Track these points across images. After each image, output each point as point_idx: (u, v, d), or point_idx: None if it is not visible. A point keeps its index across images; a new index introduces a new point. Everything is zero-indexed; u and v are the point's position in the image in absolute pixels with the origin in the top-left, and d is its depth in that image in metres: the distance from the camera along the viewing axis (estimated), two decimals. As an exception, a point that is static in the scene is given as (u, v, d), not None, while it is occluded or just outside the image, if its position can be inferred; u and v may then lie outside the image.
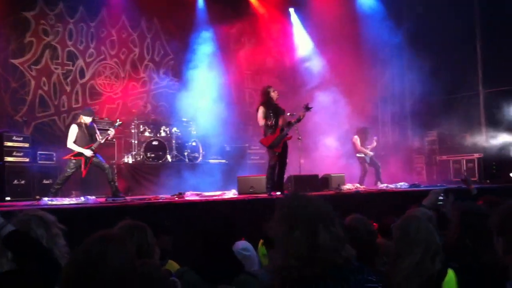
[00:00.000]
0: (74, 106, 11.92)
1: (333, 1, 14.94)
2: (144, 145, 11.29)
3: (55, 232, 2.60)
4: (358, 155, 11.94)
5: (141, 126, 11.62)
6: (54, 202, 7.36)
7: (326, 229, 2.16)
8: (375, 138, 12.21)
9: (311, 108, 8.94)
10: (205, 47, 13.96)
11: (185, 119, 12.54)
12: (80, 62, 12.22)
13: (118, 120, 9.27)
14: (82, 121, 8.76)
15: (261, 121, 8.75)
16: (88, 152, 8.48)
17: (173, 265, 4.03)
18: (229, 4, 14.74)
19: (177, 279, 3.08)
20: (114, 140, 10.81)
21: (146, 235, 3.12)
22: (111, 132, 8.89)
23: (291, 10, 15.93)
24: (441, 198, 4.42)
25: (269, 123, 8.68)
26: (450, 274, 2.95)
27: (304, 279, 2.12)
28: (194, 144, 12.13)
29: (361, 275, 2.16)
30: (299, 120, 8.86)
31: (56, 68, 11.80)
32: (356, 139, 11.94)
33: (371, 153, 11.89)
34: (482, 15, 13.69)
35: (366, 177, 11.91)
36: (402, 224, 3.06)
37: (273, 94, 8.80)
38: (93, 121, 9.08)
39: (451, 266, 2.98)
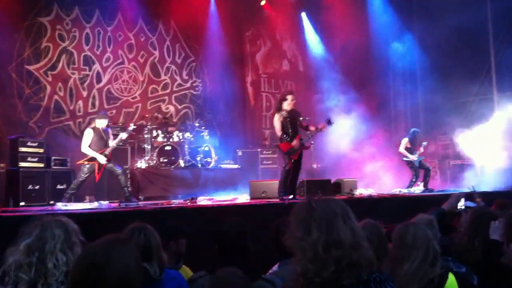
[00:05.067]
0: (90, 111, 11.97)
1: (343, 4, 14.98)
2: (157, 150, 11.34)
3: (74, 240, 2.63)
4: (404, 159, 11.50)
5: (154, 131, 11.67)
6: (68, 207, 7.40)
7: (344, 223, 2.15)
8: (423, 143, 11.59)
9: (332, 123, 8.90)
10: (222, 49, 14.09)
11: (198, 124, 12.60)
12: (96, 67, 12.30)
13: (132, 124, 9.31)
14: (96, 125, 8.82)
15: (278, 132, 8.71)
16: (102, 158, 8.53)
17: (186, 271, 4.04)
18: (241, 7, 14.82)
19: (192, 282, 3.10)
20: (127, 145, 10.89)
21: (149, 237, 3.14)
22: (123, 136, 8.93)
23: (303, 14, 15.96)
24: (461, 202, 4.42)
25: (288, 131, 8.66)
26: (451, 278, 2.94)
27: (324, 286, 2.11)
28: (206, 149, 12.15)
29: (385, 285, 2.13)
30: (318, 131, 8.88)
31: (72, 73, 11.88)
32: (403, 141, 11.52)
33: (414, 157, 11.32)
34: (494, 16, 13.62)
35: (417, 182, 11.41)
36: (400, 231, 3.06)
37: (292, 102, 8.75)
38: (108, 126, 9.13)
39: (456, 270, 2.97)
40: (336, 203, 2.24)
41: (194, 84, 14.06)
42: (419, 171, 11.46)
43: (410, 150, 11.40)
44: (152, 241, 3.16)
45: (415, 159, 11.34)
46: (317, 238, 2.15)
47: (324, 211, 2.21)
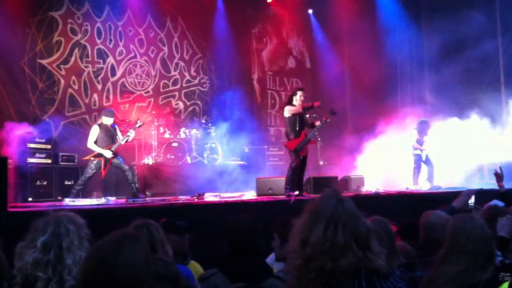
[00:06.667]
0: (105, 104, 11.92)
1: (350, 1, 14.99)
2: (164, 146, 11.37)
3: (84, 234, 2.65)
4: (413, 152, 11.27)
5: (161, 128, 11.71)
6: (75, 203, 7.43)
7: (324, 228, 2.11)
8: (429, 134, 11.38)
9: (336, 112, 8.97)
10: (228, 46, 14.10)
11: (205, 120, 12.63)
12: (110, 60, 12.32)
13: (138, 121, 9.31)
14: (103, 122, 8.84)
15: (286, 125, 8.85)
16: (107, 153, 8.55)
17: (195, 266, 4.06)
18: (248, 4, 14.83)
19: (204, 280, 3.10)
20: (134, 141, 10.90)
21: (154, 233, 3.16)
22: (132, 134, 8.95)
23: (310, 11, 15.95)
24: (472, 199, 4.38)
25: (295, 127, 8.72)
26: (505, 286, 2.72)
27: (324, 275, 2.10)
28: (213, 145, 12.18)
29: (389, 281, 2.11)
30: (323, 124, 8.92)
31: (86, 67, 11.89)
32: (412, 134, 11.31)
33: (424, 148, 11.15)
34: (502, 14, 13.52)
35: (419, 177, 11.26)
36: (455, 229, 2.90)
37: (300, 98, 8.82)
38: (115, 122, 9.14)
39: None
40: (336, 205, 2.17)
41: (202, 81, 14.08)
42: (421, 165, 11.35)
43: (419, 142, 11.29)
44: (156, 236, 3.18)
45: (424, 150, 11.21)
46: (300, 230, 2.17)
47: (316, 207, 2.20)
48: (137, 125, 9.12)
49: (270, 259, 3.90)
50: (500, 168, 6.13)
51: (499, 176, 5.93)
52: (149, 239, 3.12)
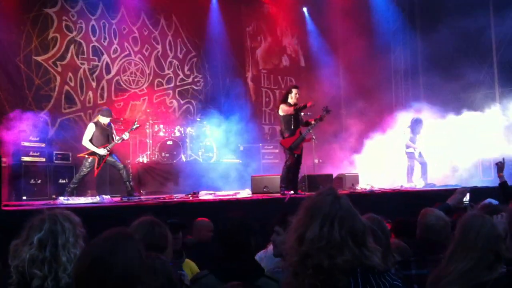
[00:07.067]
0: (99, 102, 11.87)
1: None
2: (158, 145, 11.35)
3: (79, 232, 2.65)
4: (406, 150, 11.26)
5: (156, 126, 11.69)
6: (70, 201, 7.41)
7: (320, 226, 2.11)
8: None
9: (330, 110, 8.97)
10: (223, 44, 14.08)
11: (199, 119, 12.63)
12: (105, 58, 12.27)
13: (135, 122, 9.28)
14: (100, 120, 8.83)
15: (281, 123, 8.87)
16: (102, 151, 8.54)
17: (190, 264, 4.06)
18: (242, 3, 14.81)
19: (195, 282, 3.09)
20: (129, 140, 10.87)
21: (163, 229, 3.14)
22: (126, 136, 8.93)
23: (304, 9, 15.95)
24: (467, 197, 4.39)
25: (290, 125, 8.75)
26: None
27: (321, 272, 2.09)
28: (208, 143, 12.17)
29: (385, 279, 2.11)
30: (317, 122, 8.93)
31: (82, 64, 11.84)
32: (405, 132, 11.28)
33: (417, 147, 11.15)
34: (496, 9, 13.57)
35: (413, 174, 11.27)
36: (464, 226, 2.86)
37: (296, 96, 8.83)
38: (111, 121, 9.12)
39: None
40: (332, 202, 2.17)
41: (196, 79, 14.05)
42: (415, 163, 11.35)
43: (413, 140, 11.29)
44: (165, 233, 3.16)
45: (417, 148, 11.22)
46: (296, 227, 2.17)
47: (312, 204, 2.20)
48: (134, 127, 9.09)
49: (258, 257, 3.89)
50: (503, 159, 6.09)
51: (500, 166, 5.90)
52: (162, 237, 3.10)
